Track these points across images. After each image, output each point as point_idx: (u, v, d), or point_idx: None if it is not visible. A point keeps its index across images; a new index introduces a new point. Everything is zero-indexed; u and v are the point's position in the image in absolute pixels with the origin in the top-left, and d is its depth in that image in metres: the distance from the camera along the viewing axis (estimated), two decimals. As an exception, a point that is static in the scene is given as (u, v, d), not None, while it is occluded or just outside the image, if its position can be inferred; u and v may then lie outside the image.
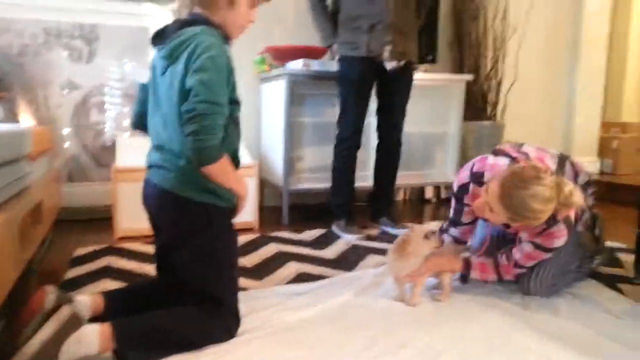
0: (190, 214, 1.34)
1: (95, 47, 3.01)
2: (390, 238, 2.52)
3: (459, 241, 1.89)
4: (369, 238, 2.57)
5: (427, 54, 3.41)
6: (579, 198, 1.49)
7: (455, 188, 1.81)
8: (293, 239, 2.53)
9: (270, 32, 3.34)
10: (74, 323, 1.22)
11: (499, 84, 3.71)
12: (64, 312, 1.24)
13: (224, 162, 1.30)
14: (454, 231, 1.87)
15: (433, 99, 3.36)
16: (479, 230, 1.99)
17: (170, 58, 1.30)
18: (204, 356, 1.30)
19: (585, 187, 1.82)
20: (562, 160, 1.80)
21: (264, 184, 3.29)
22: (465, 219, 1.83)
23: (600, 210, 2.00)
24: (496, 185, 1.51)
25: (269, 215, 3.13)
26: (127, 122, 3.10)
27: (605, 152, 4.49)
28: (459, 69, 3.72)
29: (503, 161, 1.68)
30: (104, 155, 3.06)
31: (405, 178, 3.30)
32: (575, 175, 1.81)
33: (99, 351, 1.20)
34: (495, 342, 1.42)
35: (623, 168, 4.39)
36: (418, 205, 3.63)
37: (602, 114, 4.63)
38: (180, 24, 1.33)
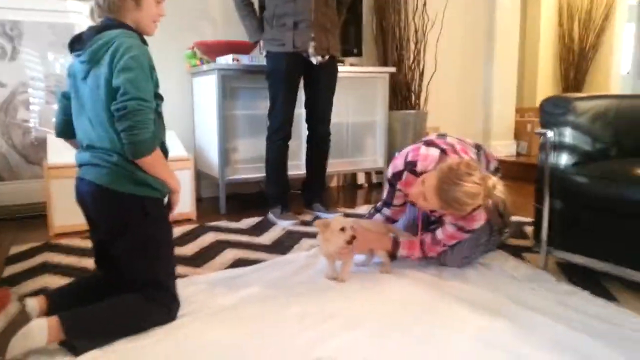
0: (125, 207, 1.42)
1: (19, 44, 2.96)
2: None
3: (390, 219, 2.09)
4: (303, 223, 2.72)
5: (353, 48, 3.59)
6: (500, 191, 1.71)
7: (389, 174, 2.00)
8: (230, 228, 2.63)
9: (199, 27, 3.39)
10: (22, 319, 1.29)
11: (421, 74, 3.94)
12: (12, 309, 1.31)
13: (157, 154, 1.41)
14: (386, 211, 2.07)
15: (360, 91, 3.54)
16: (407, 212, 2.18)
17: (92, 61, 1.38)
18: (147, 338, 1.39)
19: (494, 172, 2.07)
20: (478, 150, 2.03)
21: (201, 176, 3.36)
22: (397, 201, 2.03)
23: (510, 188, 2.25)
24: (433, 179, 1.71)
25: (206, 205, 3.21)
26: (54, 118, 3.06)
27: (521, 135, 4.87)
28: (383, 61, 3.92)
29: (434, 152, 1.88)
30: (33, 152, 3.02)
31: (338, 165, 3.48)
32: (487, 163, 2.05)
33: (47, 342, 1.28)
34: (411, 307, 1.61)
35: (536, 149, 4.76)
36: (351, 190, 3.82)
37: (517, 99, 5.00)
38: (97, 30, 1.40)
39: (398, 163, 1.97)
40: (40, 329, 1.27)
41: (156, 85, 1.44)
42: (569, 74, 5.61)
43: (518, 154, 4.81)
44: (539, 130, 1.96)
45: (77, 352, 1.32)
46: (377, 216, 2.10)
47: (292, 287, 1.79)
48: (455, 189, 1.66)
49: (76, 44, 1.44)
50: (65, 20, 3.07)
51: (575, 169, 1.88)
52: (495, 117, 4.69)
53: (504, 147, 4.72)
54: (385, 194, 2.07)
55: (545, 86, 5.61)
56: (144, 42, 1.46)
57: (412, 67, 3.91)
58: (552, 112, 1.93)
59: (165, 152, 1.51)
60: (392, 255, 1.96)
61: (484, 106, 4.71)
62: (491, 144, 4.65)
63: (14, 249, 2.25)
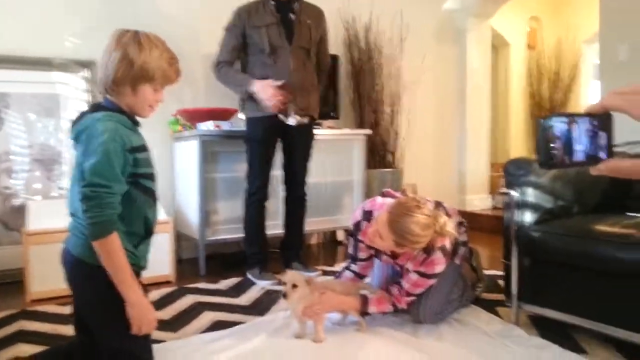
0: (95, 279, 1.42)
1: (6, 114, 3.04)
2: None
3: (359, 275, 2.14)
4: (282, 283, 2.73)
5: (331, 111, 3.74)
6: (451, 228, 1.82)
7: (351, 226, 2.08)
8: (209, 289, 2.64)
9: (182, 95, 3.52)
10: None
11: (397, 134, 4.10)
12: None
13: (111, 240, 1.37)
14: (354, 267, 2.13)
15: (338, 151, 3.66)
16: (377, 270, 2.24)
17: (76, 141, 1.46)
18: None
19: (458, 226, 2.14)
20: (438, 205, 2.11)
21: (180, 237, 3.39)
22: (362, 254, 2.10)
23: (487, 241, 2.34)
24: (384, 214, 1.80)
25: (186, 267, 3.22)
26: (38, 185, 3.11)
27: (496, 189, 5.00)
28: (360, 123, 4.07)
29: (389, 201, 1.97)
30: (12, 219, 3.03)
31: (317, 223, 3.54)
32: (448, 217, 2.12)
33: None
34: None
35: (512, 204, 4.90)
36: (331, 247, 3.86)
37: (492, 155, 5.18)
38: (90, 110, 1.48)
39: (357, 214, 2.07)
40: None
41: (139, 165, 1.47)
42: (539, 130, 5.84)
43: (494, 208, 4.92)
44: (504, 190, 2.06)
45: None
46: (347, 274, 2.15)
47: (270, 348, 1.81)
48: (405, 220, 1.74)
49: (76, 120, 1.50)
50: (51, 91, 3.17)
51: (538, 227, 1.96)
52: (470, 173, 4.84)
53: (479, 201, 4.84)
54: (350, 249, 2.14)
55: (519, 142, 5.84)
56: (134, 122, 1.52)
57: (388, 128, 4.06)
58: (515, 173, 2.04)
59: (149, 226, 1.53)
60: (364, 313, 1.99)
61: (458, 162, 4.87)
62: (467, 197, 4.77)
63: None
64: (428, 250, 1.87)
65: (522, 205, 2.01)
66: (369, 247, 2.06)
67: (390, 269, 2.18)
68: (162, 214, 2.93)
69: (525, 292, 2.01)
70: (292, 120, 2.78)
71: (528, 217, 2.00)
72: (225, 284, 2.75)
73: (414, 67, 4.40)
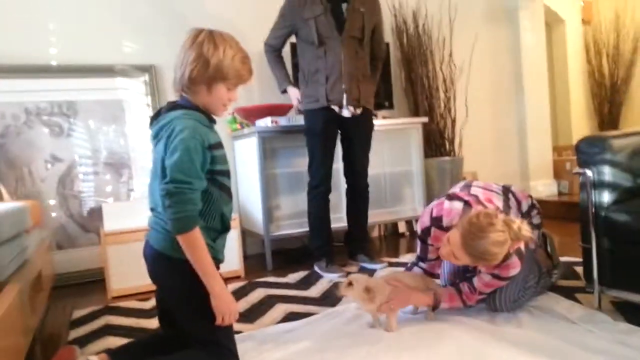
0: (177, 272, 1.48)
1: (74, 121, 3.20)
2: (369, 273, 2.72)
3: (428, 273, 2.10)
4: (349, 275, 2.75)
5: (384, 101, 3.71)
6: (527, 231, 1.73)
7: (419, 231, 2.04)
8: (278, 282, 2.69)
9: (240, 94, 3.58)
10: None
11: (453, 121, 4.02)
12: None
13: (195, 236, 1.42)
14: (422, 265, 2.10)
15: (395, 142, 3.63)
16: (445, 266, 2.20)
17: (156, 138, 1.52)
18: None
19: (529, 210, 2.08)
20: (506, 193, 2.05)
21: (246, 234, 3.46)
22: (431, 255, 2.06)
23: (555, 229, 2.25)
24: (457, 237, 1.73)
25: (253, 262, 3.29)
26: (109, 188, 3.26)
27: (561, 174, 4.83)
28: (414, 111, 4.02)
29: (457, 205, 1.91)
30: (89, 221, 3.19)
31: (378, 215, 3.53)
32: (519, 204, 2.07)
33: None
34: (467, 356, 1.61)
35: (578, 187, 4.70)
36: (393, 240, 3.84)
37: (553, 138, 5.00)
38: (168, 108, 1.54)
39: (424, 220, 2.00)
40: None
41: (215, 162, 1.51)
42: (602, 108, 5.60)
43: (560, 193, 4.76)
44: (577, 170, 1.99)
45: None
46: (416, 269, 2.11)
47: (343, 338, 1.82)
48: (481, 243, 1.67)
49: (153, 117, 1.57)
50: (114, 97, 3.31)
51: (617, 207, 1.88)
52: (532, 158, 4.69)
53: (544, 187, 4.69)
54: (418, 250, 2.09)
55: (580, 123, 5.60)
56: (211, 120, 1.57)
57: (444, 115, 4.00)
58: (589, 151, 1.95)
59: (225, 222, 1.57)
60: (433, 308, 1.97)
61: (520, 147, 4.72)
62: (530, 184, 4.62)
63: (77, 313, 2.37)
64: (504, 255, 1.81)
65: (599, 185, 1.93)
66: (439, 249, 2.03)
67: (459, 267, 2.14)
68: (227, 211, 3.01)
69: (606, 276, 1.92)
70: (346, 112, 2.79)
71: (606, 197, 1.92)
72: (293, 277, 2.79)
73: (466, 51, 4.30)
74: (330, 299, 2.35)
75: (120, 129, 3.31)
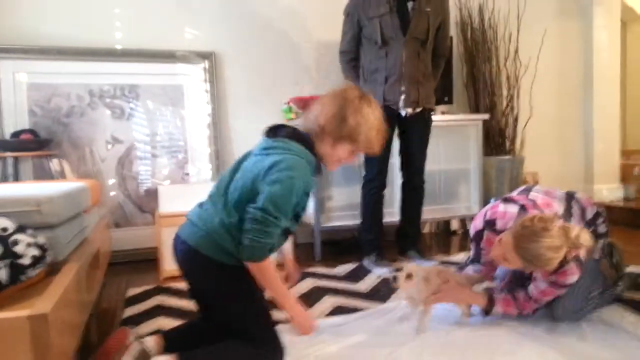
0: (215, 273, 1.50)
1: (135, 104, 3.28)
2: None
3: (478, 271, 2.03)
4: (399, 271, 2.69)
5: (444, 96, 3.60)
6: (586, 239, 1.62)
7: (471, 233, 1.97)
8: (327, 274, 2.67)
9: (296, 83, 3.58)
10: (144, 356, 1.43)
11: (516, 119, 3.86)
12: (135, 348, 1.45)
13: (267, 267, 1.46)
14: (476, 267, 2.01)
15: (453, 138, 3.52)
16: (500, 272, 2.12)
17: (264, 152, 1.51)
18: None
19: (594, 218, 1.95)
20: (569, 199, 1.93)
21: (295, 224, 3.46)
22: (484, 260, 1.97)
23: (620, 235, 2.11)
24: (509, 239, 1.65)
25: (302, 251, 3.28)
26: (165, 171, 3.33)
27: (628, 179, 4.56)
28: (475, 108, 3.89)
29: (512, 209, 1.82)
30: (145, 202, 3.28)
31: (431, 212, 3.44)
32: (582, 211, 1.94)
33: None
34: (523, 364, 1.53)
35: (646, 194, 4.44)
36: (445, 237, 3.74)
37: (622, 141, 4.72)
38: (290, 134, 1.52)
39: (477, 222, 1.93)
40: None
41: (302, 207, 1.52)
42: (676, 113, 5.25)
43: (626, 199, 4.49)
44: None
45: None
46: (470, 268, 2.04)
47: (397, 335, 1.78)
48: (534, 246, 1.59)
49: (270, 130, 1.58)
50: (175, 82, 3.37)
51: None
52: (598, 160, 4.44)
53: (609, 192, 4.44)
54: (471, 253, 2.02)
55: (652, 127, 5.27)
56: (319, 170, 1.55)
57: (506, 113, 3.84)
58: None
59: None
60: (486, 312, 1.88)
61: (585, 149, 4.49)
62: (594, 188, 4.39)
63: (131, 291, 2.43)
64: (561, 262, 1.71)
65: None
66: None
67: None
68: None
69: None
70: (403, 111, 2.72)
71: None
72: (341, 269, 2.76)
73: (533, 47, 4.10)
74: (378, 294, 2.30)
75: (179, 113, 3.37)
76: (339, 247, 3.43)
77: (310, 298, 2.27)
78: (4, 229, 1.26)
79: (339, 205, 3.22)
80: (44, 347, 1.07)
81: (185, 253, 1.53)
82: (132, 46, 3.27)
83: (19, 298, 1.18)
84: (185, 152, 3.39)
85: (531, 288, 1.82)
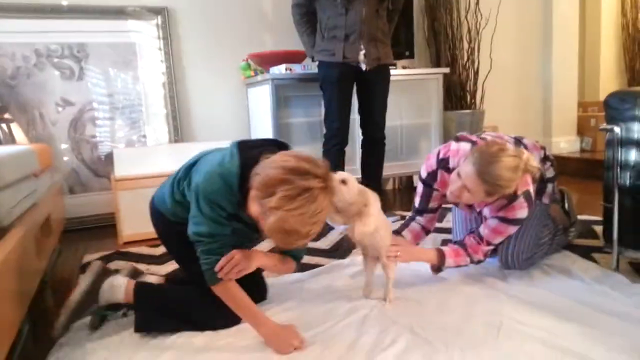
0: (171, 232, 1.57)
1: (85, 64, 3.13)
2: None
3: (425, 229, 2.00)
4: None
5: (405, 51, 3.57)
6: (534, 164, 1.66)
7: (423, 175, 1.92)
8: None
9: (254, 38, 3.47)
10: (105, 273, 1.58)
11: (476, 73, 3.86)
12: (95, 266, 1.59)
13: (221, 289, 1.43)
14: (420, 220, 1.98)
15: (414, 93, 3.51)
16: (456, 223, 2.15)
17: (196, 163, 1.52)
18: (209, 336, 1.44)
19: (542, 162, 1.99)
20: (517, 143, 1.95)
21: (258, 184, 3.43)
22: (433, 204, 1.95)
23: (576, 186, 2.17)
24: (469, 167, 1.64)
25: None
26: (121, 134, 3.23)
27: (584, 131, 4.66)
28: (436, 62, 3.87)
29: (465, 145, 1.82)
30: (101, 166, 3.18)
31: (393, 168, 3.46)
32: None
33: (123, 300, 1.52)
34: (474, 311, 1.58)
35: (601, 145, 4.56)
36: (408, 193, 3.79)
37: (579, 94, 4.80)
38: (248, 150, 1.40)
39: (431, 162, 1.88)
40: (120, 286, 1.53)
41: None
42: (634, 65, 5.34)
43: (582, 150, 4.61)
44: (605, 126, 1.88)
45: (135, 328, 1.50)
46: (413, 225, 1.98)
47: (351, 292, 1.80)
48: (494, 167, 1.59)
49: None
50: (126, 40, 3.23)
51: (646, 165, 1.78)
52: (556, 113, 4.52)
53: (567, 144, 4.54)
54: (418, 200, 1.96)
55: (609, 79, 5.36)
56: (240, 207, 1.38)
57: (467, 66, 3.84)
58: (618, 107, 1.84)
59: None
60: (438, 269, 1.87)
61: (544, 102, 4.55)
62: (552, 140, 4.48)
63: (87, 257, 2.38)
64: (509, 196, 1.73)
65: (626, 142, 1.82)
66: (443, 196, 1.93)
67: (472, 221, 2.07)
68: (239, 160, 2.97)
69: (626, 237, 1.85)
70: (363, 65, 2.69)
71: (633, 155, 1.81)
72: (303, 228, 2.76)
73: (494, 0, 4.07)
74: (340, 251, 2.32)
75: (133, 73, 3.24)
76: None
77: (271, 257, 2.27)
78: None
79: (301, 163, 3.20)
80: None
81: (150, 209, 1.63)
82: (80, 2, 3.09)
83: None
84: (142, 114, 3.28)
85: (482, 229, 1.81)
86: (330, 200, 1.31)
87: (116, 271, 1.69)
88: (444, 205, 2.05)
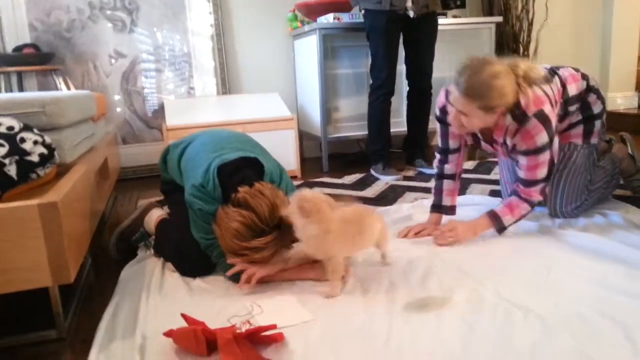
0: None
1: (136, 17, 3.19)
2: (427, 178, 2.67)
3: (455, 175, 1.87)
4: (406, 178, 2.72)
5: (456, 0, 3.44)
6: (538, 72, 1.54)
7: (437, 113, 1.82)
8: (334, 183, 2.70)
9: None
10: (151, 207, 1.87)
11: (531, 23, 3.70)
12: (145, 203, 1.92)
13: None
14: (447, 168, 1.86)
15: (464, 44, 3.40)
16: (504, 176, 2.07)
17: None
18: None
19: (582, 95, 1.83)
20: (552, 72, 1.80)
21: (304, 136, 3.46)
22: (452, 143, 1.83)
23: (634, 144, 2.06)
24: (454, 88, 1.54)
25: (309, 165, 3.31)
26: (170, 86, 3.29)
27: (645, 86, 4.43)
28: (488, 11, 3.73)
29: None
30: (152, 118, 3.28)
31: (439, 123, 3.40)
32: (563, 87, 1.79)
33: (154, 230, 1.77)
34: (524, 254, 1.57)
35: (662, 101, 4.33)
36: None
37: (639, 48, 4.53)
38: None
39: (441, 99, 1.78)
40: (154, 217, 1.81)
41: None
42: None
43: (640, 107, 4.39)
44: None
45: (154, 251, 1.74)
46: (444, 184, 1.87)
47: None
48: (478, 78, 1.48)
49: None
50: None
51: None
52: (614, 67, 4.29)
53: (624, 100, 4.33)
54: (439, 140, 1.86)
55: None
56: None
57: (520, 17, 3.68)
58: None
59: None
60: (500, 229, 1.72)
61: (601, 55, 4.33)
62: (609, 95, 4.28)
63: (142, 203, 2.48)
64: (519, 117, 1.58)
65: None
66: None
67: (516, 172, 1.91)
68: (285, 111, 2.99)
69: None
70: (411, 12, 2.62)
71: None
72: (349, 179, 2.79)
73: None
74: (385, 199, 2.34)
75: (182, 25, 3.27)
76: (346, 159, 3.44)
77: (318, 203, 2.31)
78: (10, 128, 1.28)
79: (346, 115, 3.19)
80: (56, 234, 1.10)
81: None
82: (129, -46, 3.12)
83: (31, 194, 1.21)
84: (190, 66, 3.33)
85: (519, 173, 1.70)
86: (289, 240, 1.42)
87: (162, 206, 1.92)
88: (490, 159, 1.98)
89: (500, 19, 3.43)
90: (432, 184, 2.58)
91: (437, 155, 1.89)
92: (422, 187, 2.53)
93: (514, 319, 1.17)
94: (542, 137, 1.59)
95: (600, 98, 1.86)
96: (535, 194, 1.69)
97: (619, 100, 4.30)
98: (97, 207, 1.82)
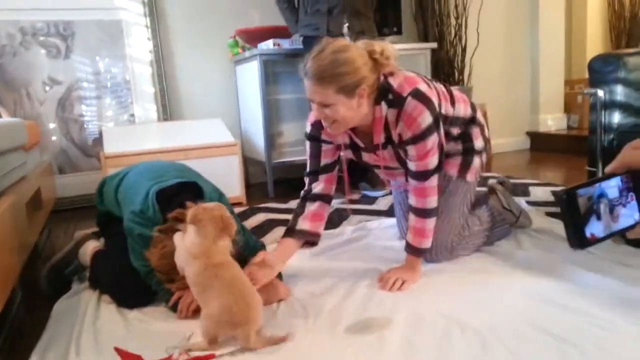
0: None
1: (72, 43, 3.11)
2: (371, 200, 2.71)
3: (321, 198, 1.67)
4: (351, 202, 2.74)
5: (392, 27, 3.57)
6: (393, 51, 1.50)
7: (308, 129, 1.66)
8: (279, 208, 2.69)
9: (241, 15, 3.45)
10: (86, 238, 1.80)
11: (464, 49, 3.88)
12: (80, 234, 1.86)
13: None
14: (318, 188, 1.66)
15: (402, 68, 3.51)
16: (397, 209, 1.97)
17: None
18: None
19: (467, 123, 1.75)
20: (446, 87, 1.75)
21: (248, 162, 3.44)
22: (325, 159, 1.65)
23: (562, 163, 2.17)
24: (304, 80, 1.45)
25: (255, 190, 3.28)
26: (109, 113, 3.21)
27: (571, 108, 4.70)
28: (423, 38, 3.88)
29: None
30: (90, 146, 3.17)
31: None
32: (452, 99, 1.69)
33: (89, 262, 1.69)
34: (463, 270, 1.61)
35: (587, 122, 4.60)
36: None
37: (566, 71, 4.83)
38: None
39: (312, 115, 1.62)
40: (89, 250, 1.74)
41: None
42: (620, 42, 5.37)
43: (569, 128, 4.65)
44: (589, 90, 1.91)
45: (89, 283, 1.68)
46: (309, 205, 1.68)
47: (339, 255, 1.85)
48: (323, 57, 1.39)
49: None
50: (113, 18, 3.20)
51: (629, 128, 1.82)
52: (543, 90, 4.55)
53: (554, 121, 4.58)
54: (309, 163, 1.68)
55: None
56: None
57: (454, 43, 3.85)
58: (602, 70, 1.88)
59: None
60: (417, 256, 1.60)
61: (531, 79, 4.57)
62: (540, 117, 4.52)
63: (78, 235, 2.38)
64: (395, 102, 1.47)
65: (610, 105, 1.86)
66: (336, 147, 1.65)
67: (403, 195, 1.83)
68: (228, 137, 2.97)
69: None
70: (347, 39, 2.69)
71: (616, 117, 1.85)
72: (294, 204, 2.77)
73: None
74: (330, 223, 2.34)
75: (120, 51, 3.22)
76: (291, 184, 3.44)
77: (262, 229, 2.29)
78: None
79: (290, 140, 3.22)
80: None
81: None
82: (63, -21, 3.06)
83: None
84: (130, 92, 3.26)
85: (410, 165, 1.55)
86: None
87: (97, 237, 1.87)
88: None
89: (435, 45, 3.58)
90: (376, 206, 2.66)
91: (306, 180, 1.70)
92: (366, 210, 2.56)
93: (452, 335, 1.20)
94: (426, 118, 1.46)
95: (484, 136, 1.77)
96: (430, 191, 1.54)
97: (549, 121, 4.55)
98: (27, 239, 1.74)
